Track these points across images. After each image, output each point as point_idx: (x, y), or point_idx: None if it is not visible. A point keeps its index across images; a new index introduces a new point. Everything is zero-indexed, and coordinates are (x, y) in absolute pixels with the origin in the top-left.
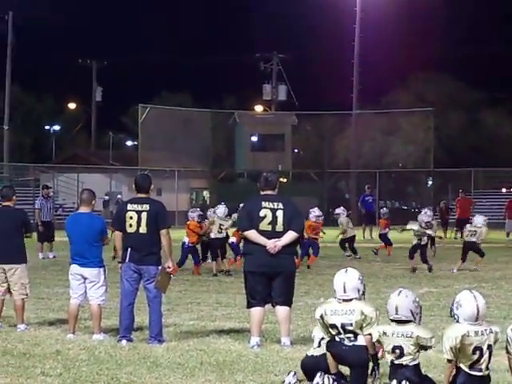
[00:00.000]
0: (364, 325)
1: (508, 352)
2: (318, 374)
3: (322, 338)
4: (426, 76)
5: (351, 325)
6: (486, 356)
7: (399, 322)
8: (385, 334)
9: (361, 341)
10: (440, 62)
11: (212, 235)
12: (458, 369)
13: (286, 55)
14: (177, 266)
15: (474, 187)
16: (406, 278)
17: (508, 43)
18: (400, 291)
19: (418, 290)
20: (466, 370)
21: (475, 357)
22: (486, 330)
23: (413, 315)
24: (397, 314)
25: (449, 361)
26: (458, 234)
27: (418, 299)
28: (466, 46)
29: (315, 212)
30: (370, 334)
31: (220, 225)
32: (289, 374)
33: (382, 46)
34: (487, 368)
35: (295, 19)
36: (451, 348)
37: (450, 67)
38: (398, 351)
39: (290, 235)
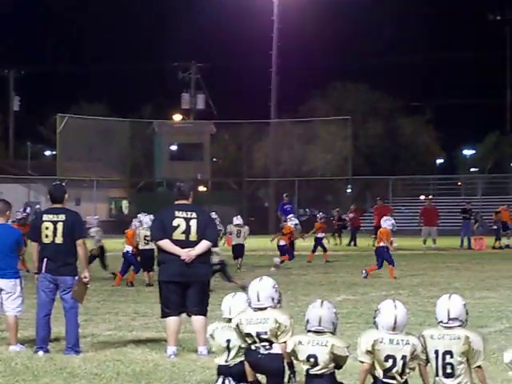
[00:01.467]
0: (279, 333)
1: (420, 359)
2: (221, 380)
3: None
4: (344, 85)
5: (266, 333)
6: (399, 365)
7: (318, 332)
8: (300, 343)
9: (276, 349)
10: (358, 71)
11: (140, 246)
12: (375, 377)
13: (205, 64)
14: (134, 272)
15: (392, 195)
16: (324, 286)
17: (425, 52)
18: (322, 302)
19: (335, 297)
20: (381, 378)
21: (388, 365)
22: (402, 340)
23: (333, 327)
24: (319, 325)
25: (362, 362)
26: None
27: (335, 310)
28: (383, 55)
29: (391, 220)
30: (285, 342)
31: (145, 236)
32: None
33: (301, 56)
34: (402, 377)
35: (214, 28)
36: (364, 352)
37: (368, 77)
38: (312, 360)
39: (204, 244)
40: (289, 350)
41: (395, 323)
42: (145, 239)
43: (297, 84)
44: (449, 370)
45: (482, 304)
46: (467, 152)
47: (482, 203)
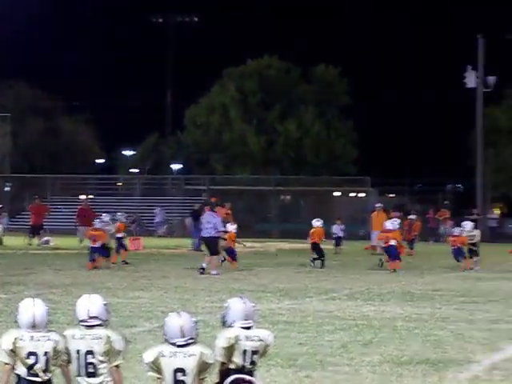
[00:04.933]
0: None
1: (62, 360)
2: None
3: None
4: (1, 82)
5: None
6: (42, 362)
7: None
8: None
9: None
10: (16, 68)
11: None
12: (18, 376)
13: None
14: None
15: (51, 194)
16: None
17: (87, 52)
18: None
19: None
20: (24, 375)
21: (30, 361)
22: (43, 336)
23: None
24: None
25: (6, 364)
26: (35, 240)
27: None
28: (43, 54)
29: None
30: None
31: None
32: None
33: None
34: (46, 374)
35: None
36: (5, 351)
37: (27, 74)
38: None
39: None
40: None
41: (34, 320)
42: None
43: None
44: (91, 370)
45: (133, 304)
46: (127, 152)
47: (140, 203)
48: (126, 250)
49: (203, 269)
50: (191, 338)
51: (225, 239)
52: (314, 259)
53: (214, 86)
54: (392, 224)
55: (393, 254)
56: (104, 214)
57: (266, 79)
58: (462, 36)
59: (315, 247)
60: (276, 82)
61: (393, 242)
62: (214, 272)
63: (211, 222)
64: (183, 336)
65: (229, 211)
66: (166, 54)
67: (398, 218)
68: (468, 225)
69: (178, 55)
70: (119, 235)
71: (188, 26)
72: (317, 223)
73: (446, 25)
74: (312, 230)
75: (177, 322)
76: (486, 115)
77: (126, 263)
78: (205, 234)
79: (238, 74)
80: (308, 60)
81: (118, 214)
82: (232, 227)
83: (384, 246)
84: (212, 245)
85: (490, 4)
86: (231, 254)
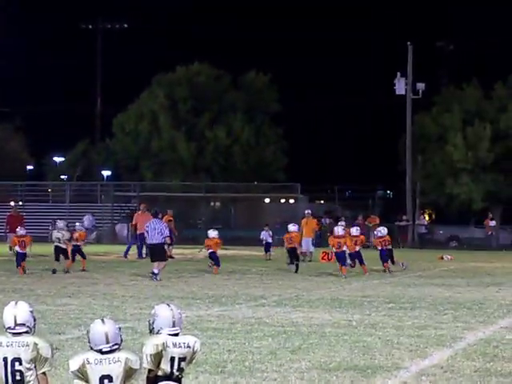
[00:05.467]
0: None
1: None
2: None
3: None
4: None
5: None
6: None
7: None
8: None
9: None
10: None
11: None
12: None
13: None
14: None
15: None
16: None
17: (22, 58)
18: None
19: None
20: None
21: None
22: None
23: None
24: None
25: None
26: None
27: None
28: None
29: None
30: None
31: None
32: None
33: None
34: None
35: None
36: None
37: None
38: None
39: None
40: None
41: None
42: None
43: None
44: (18, 377)
45: (62, 311)
46: (57, 159)
47: (70, 210)
48: (84, 258)
49: (154, 274)
50: (116, 344)
51: (169, 244)
52: (291, 262)
53: (143, 92)
54: (344, 230)
55: (343, 259)
56: (58, 221)
57: (196, 86)
58: (393, 42)
59: (293, 252)
60: (206, 88)
61: (345, 248)
62: (155, 270)
63: (157, 228)
64: (108, 342)
65: (171, 218)
66: (95, 60)
67: (328, 224)
68: (384, 230)
69: (108, 61)
70: (77, 243)
71: (117, 33)
72: (293, 228)
73: (377, 31)
74: (288, 235)
75: (101, 328)
76: (415, 122)
77: (84, 270)
78: (152, 240)
79: (167, 80)
80: (238, 67)
81: (77, 224)
82: (214, 233)
83: (336, 251)
84: (159, 251)
85: (419, 11)
86: (215, 259)
